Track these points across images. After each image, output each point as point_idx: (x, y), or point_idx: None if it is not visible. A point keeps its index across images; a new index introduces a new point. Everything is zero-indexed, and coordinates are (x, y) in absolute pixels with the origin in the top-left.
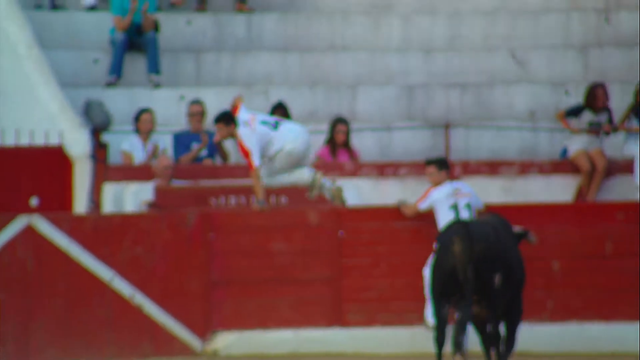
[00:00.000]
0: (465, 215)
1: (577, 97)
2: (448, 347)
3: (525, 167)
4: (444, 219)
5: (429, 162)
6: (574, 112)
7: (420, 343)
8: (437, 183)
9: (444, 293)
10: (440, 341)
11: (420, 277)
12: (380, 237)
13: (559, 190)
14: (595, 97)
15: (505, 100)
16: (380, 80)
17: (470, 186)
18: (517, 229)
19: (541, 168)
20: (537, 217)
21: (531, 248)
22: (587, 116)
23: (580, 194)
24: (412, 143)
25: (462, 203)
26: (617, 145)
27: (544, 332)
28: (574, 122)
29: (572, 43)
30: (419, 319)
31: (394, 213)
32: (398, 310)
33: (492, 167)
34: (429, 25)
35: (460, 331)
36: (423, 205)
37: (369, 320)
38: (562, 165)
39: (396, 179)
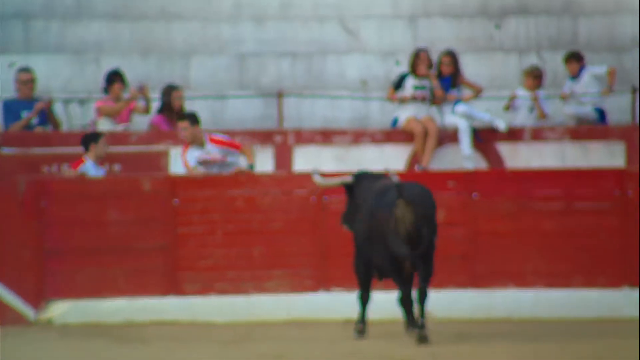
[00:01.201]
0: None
1: (406, 67)
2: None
3: (358, 136)
4: None
5: (181, 118)
6: (399, 83)
7: (255, 311)
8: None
9: (389, 254)
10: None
11: (254, 245)
12: (215, 205)
13: (391, 159)
14: (418, 63)
15: (337, 69)
16: (213, 48)
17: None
18: None
19: (374, 137)
20: None
21: None
22: (413, 82)
23: (414, 161)
24: (245, 112)
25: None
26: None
27: (379, 299)
28: (401, 93)
29: (401, 13)
30: (255, 288)
31: (229, 181)
32: (234, 278)
33: (325, 136)
34: None
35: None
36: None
37: (204, 289)
38: (395, 134)
39: None
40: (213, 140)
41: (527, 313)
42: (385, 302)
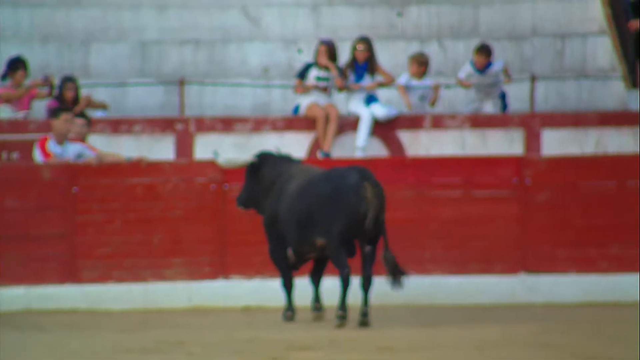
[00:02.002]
0: None
1: (309, 55)
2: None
3: (259, 124)
4: None
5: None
6: (302, 73)
7: (154, 299)
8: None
9: (345, 238)
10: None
11: (154, 233)
12: (115, 193)
13: (293, 146)
14: (320, 54)
15: (238, 57)
16: (114, 36)
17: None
18: None
19: (275, 124)
20: None
21: None
22: (316, 72)
23: (316, 148)
24: (146, 99)
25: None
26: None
27: (277, 286)
28: (304, 82)
29: (304, 1)
30: (153, 275)
31: (128, 169)
32: (132, 266)
33: (226, 124)
34: None
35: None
36: None
37: (102, 277)
38: (296, 121)
39: (130, 136)
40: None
41: (424, 299)
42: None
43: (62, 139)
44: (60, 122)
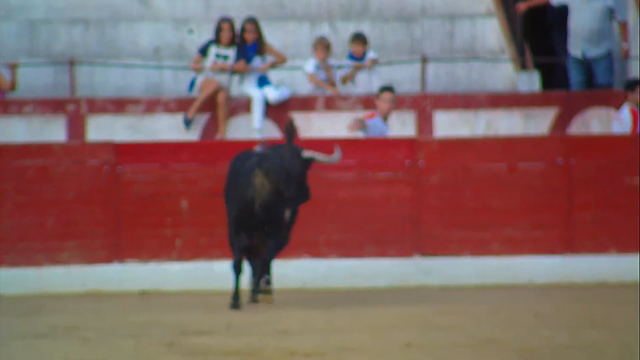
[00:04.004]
0: None
1: (200, 35)
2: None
3: (152, 105)
4: None
5: None
6: (204, 50)
7: (47, 283)
8: None
9: (240, 223)
10: (237, 271)
11: (46, 216)
12: (6, 175)
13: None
14: (221, 32)
15: (129, 37)
16: (1, 15)
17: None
18: (307, 154)
19: (167, 106)
20: (163, 155)
21: (160, 187)
22: (216, 50)
23: (208, 129)
24: (36, 80)
25: None
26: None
27: (173, 270)
28: (205, 59)
29: None
30: (47, 259)
31: (21, 151)
32: (25, 250)
33: (118, 105)
34: None
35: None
36: None
37: None
38: (188, 102)
39: (21, 117)
40: None
41: (320, 282)
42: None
43: None
44: None
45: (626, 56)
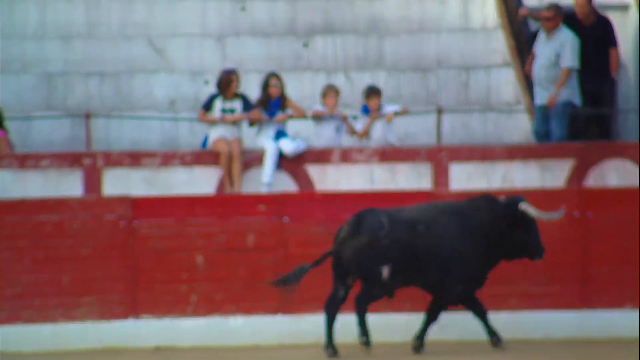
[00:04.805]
0: None
1: (215, 87)
2: None
3: (168, 158)
4: None
5: None
6: (208, 104)
7: (64, 340)
8: None
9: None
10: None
11: (63, 271)
12: (23, 231)
13: (201, 181)
14: (227, 84)
15: (145, 89)
16: (17, 67)
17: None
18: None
19: (183, 159)
20: (179, 209)
21: (175, 242)
22: (221, 103)
23: (224, 183)
24: (53, 133)
25: None
26: (253, 137)
27: (188, 326)
28: (211, 114)
29: (210, 32)
30: (63, 315)
31: (37, 206)
32: (41, 306)
33: (134, 158)
34: (66, 12)
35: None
36: None
37: (11, 318)
38: (204, 155)
39: (38, 171)
40: None
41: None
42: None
43: None
44: None
45: (551, 104)
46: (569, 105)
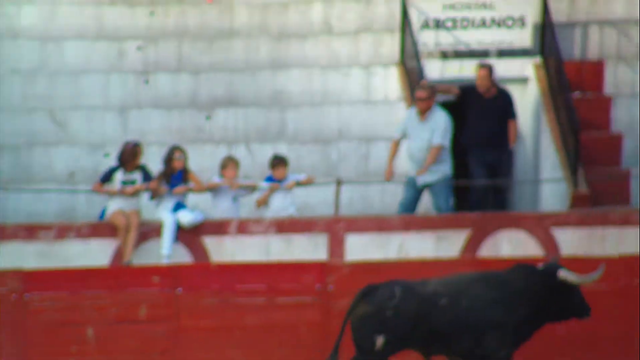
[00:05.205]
0: None
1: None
2: None
3: (63, 231)
4: None
5: None
6: (107, 177)
7: None
8: None
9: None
10: None
11: None
12: None
13: (97, 253)
14: (132, 156)
15: (44, 161)
16: None
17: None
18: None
19: (79, 231)
20: (72, 282)
21: (67, 315)
22: (122, 175)
23: (119, 255)
24: None
25: None
26: (152, 208)
27: None
28: (110, 185)
29: (112, 104)
30: None
31: None
32: None
33: (29, 231)
34: None
35: None
36: None
37: None
38: (101, 228)
39: None
40: None
41: None
42: None
43: None
44: None
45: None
46: (448, 179)
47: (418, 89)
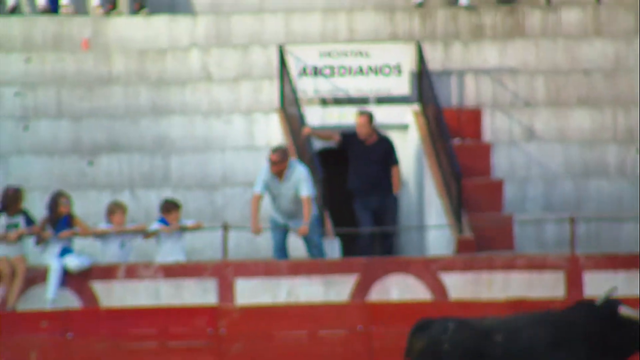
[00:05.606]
0: None
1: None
2: None
3: None
4: None
5: None
6: None
7: None
8: None
9: None
10: None
11: None
12: None
13: None
14: (14, 201)
15: None
16: None
17: None
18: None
19: None
20: None
21: None
22: (5, 220)
23: (5, 302)
24: None
25: None
26: (38, 254)
27: None
28: None
29: None
30: None
31: None
32: None
33: None
34: None
35: None
36: None
37: None
38: None
39: None
40: None
41: None
42: None
43: None
44: None
45: (304, 233)
46: (318, 219)
47: (271, 152)
